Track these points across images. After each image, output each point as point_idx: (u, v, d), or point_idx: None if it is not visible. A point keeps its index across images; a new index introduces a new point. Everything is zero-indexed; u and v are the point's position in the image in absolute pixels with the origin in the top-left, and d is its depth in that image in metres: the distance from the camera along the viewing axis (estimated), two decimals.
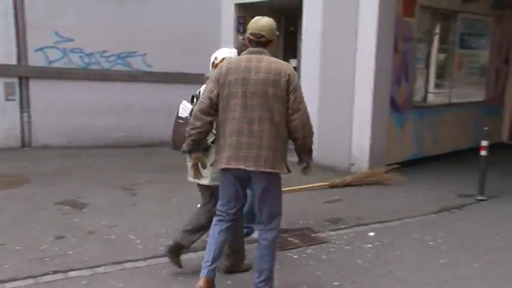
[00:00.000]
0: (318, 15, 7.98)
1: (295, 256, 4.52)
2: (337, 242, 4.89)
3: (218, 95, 3.36)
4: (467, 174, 7.64)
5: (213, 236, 3.56)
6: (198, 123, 3.38)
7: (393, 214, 5.85)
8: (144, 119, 9.24)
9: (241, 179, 3.45)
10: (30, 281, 3.84)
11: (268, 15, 3.64)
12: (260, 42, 3.43)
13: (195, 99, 3.91)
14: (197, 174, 3.59)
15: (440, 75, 9.49)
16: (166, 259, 4.30)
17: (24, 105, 8.68)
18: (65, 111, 8.91)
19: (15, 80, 8.56)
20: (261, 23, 3.44)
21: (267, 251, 3.51)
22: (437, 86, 9.47)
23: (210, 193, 3.96)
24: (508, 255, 4.73)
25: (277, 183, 3.50)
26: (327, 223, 5.45)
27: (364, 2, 7.32)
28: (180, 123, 3.95)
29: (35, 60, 8.64)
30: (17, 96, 8.59)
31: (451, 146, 9.33)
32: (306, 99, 7.23)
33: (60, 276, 3.95)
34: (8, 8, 8.34)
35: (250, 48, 3.45)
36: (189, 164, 3.61)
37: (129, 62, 9.32)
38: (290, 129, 3.41)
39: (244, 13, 9.59)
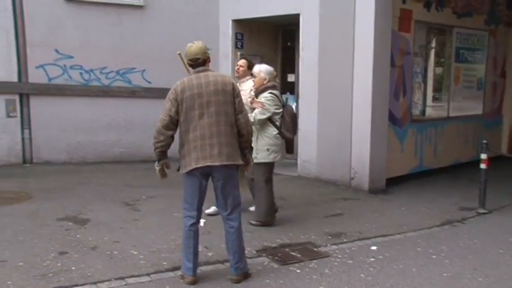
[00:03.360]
0: (314, 30, 8.06)
1: (298, 270, 4.52)
2: (339, 256, 4.90)
3: (177, 111, 4.00)
4: (468, 188, 7.67)
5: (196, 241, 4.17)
6: (162, 137, 4.05)
7: (395, 228, 5.86)
8: (144, 135, 9.21)
9: (206, 176, 4.08)
10: None
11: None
12: (199, 63, 4.12)
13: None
14: (163, 175, 4.24)
15: (438, 88, 9.58)
16: (169, 274, 4.33)
17: (25, 121, 8.70)
18: (65, 127, 8.94)
19: (16, 97, 8.60)
20: (193, 49, 4.13)
21: (235, 236, 4.17)
22: (435, 99, 9.55)
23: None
24: None
25: (236, 175, 4.21)
26: (329, 237, 5.46)
27: (360, 18, 7.40)
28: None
29: (36, 77, 8.69)
30: (18, 113, 8.62)
31: (451, 159, 9.38)
32: (304, 114, 7.88)
33: None
34: (10, 26, 8.42)
35: (196, 69, 4.13)
36: (157, 168, 4.20)
37: (129, 78, 9.37)
38: (237, 127, 4.13)
39: (242, 29, 9.69)
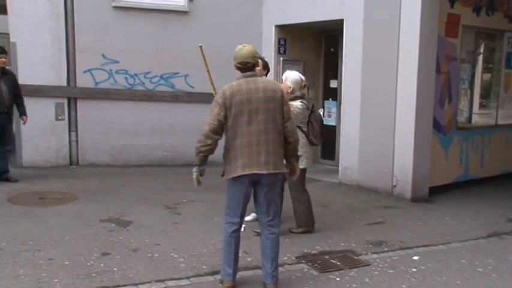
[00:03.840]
0: (358, 36, 7.98)
1: (338, 279, 4.47)
2: (380, 265, 4.82)
3: (225, 116, 3.89)
4: None
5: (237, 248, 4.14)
6: (209, 141, 3.94)
7: (439, 238, 5.71)
8: (187, 139, 9.32)
9: (252, 183, 3.99)
10: None
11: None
12: (248, 67, 4.00)
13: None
14: (199, 182, 4.17)
15: (485, 95, 9.28)
16: (209, 278, 4.36)
17: (72, 124, 8.97)
18: (110, 130, 9.15)
19: (65, 101, 8.89)
20: (244, 52, 4.00)
21: (275, 243, 4.10)
22: (482, 106, 9.26)
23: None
24: None
25: (279, 183, 4.25)
26: (370, 245, 5.38)
27: (405, 23, 7.27)
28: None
29: (83, 81, 8.95)
30: (66, 116, 8.91)
31: (499, 168, 9.08)
32: (346, 121, 7.75)
33: None
34: (62, 34, 8.71)
35: (244, 73, 4.01)
36: (195, 174, 4.13)
37: (172, 82, 9.52)
38: (285, 134, 4.05)
39: (285, 34, 9.69)
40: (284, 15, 9.35)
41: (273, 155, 3.95)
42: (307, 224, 5.68)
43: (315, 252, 5.12)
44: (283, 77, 5.61)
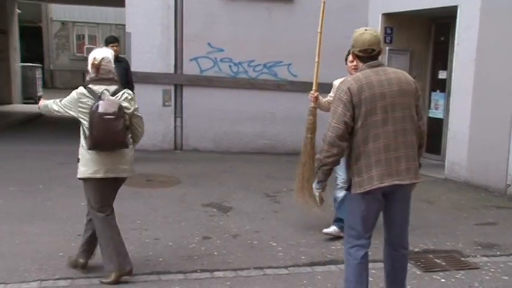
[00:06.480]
0: (474, 24, 7.45)
1: (443, 280, 4.24)
2: (491, 270, 4.48)
3: (352, 117, 3.18)
4: None
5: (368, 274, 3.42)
6: (336, 150, 3.21)
7: None
8: (288, 128, 9.36)
9: (385, 196, 3.28)
10: (181, 276, 4.10)
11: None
12: (373, 56, 3.30)
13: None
14: (322, 200, 3.59)
15: None
16: (307, 269, 4.33)
17: (178, 111, 9.36)
18: (213, 117, 9.41)
19: (172, 88, 9.28)
20: (366, 37, 3.27)
21: (406, 265, 3.52)
22: None
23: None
24: None
25: None
26: (479, 247, 5.03)
27: None
28: (111, 119, 3.70)
29: (189, 69, 9.28)
30: (172, 102, 9.30)
31: None
32: (456, 114, 7.07)
33: (206, 275, 4.15)
34: (171, 23, 9.10)
35: (369, 63, 3.29)
36: (318, 191, 3.49)
37: (275, 71, 9.56)
38: (418, 136, 3.35)
39: (392, 23, 9.30)
40: (392, 2, 8.98)
41: (413, 160, 3.26)
42: (120, 266, 3.90)
43: (418, 250, 4.89)
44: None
